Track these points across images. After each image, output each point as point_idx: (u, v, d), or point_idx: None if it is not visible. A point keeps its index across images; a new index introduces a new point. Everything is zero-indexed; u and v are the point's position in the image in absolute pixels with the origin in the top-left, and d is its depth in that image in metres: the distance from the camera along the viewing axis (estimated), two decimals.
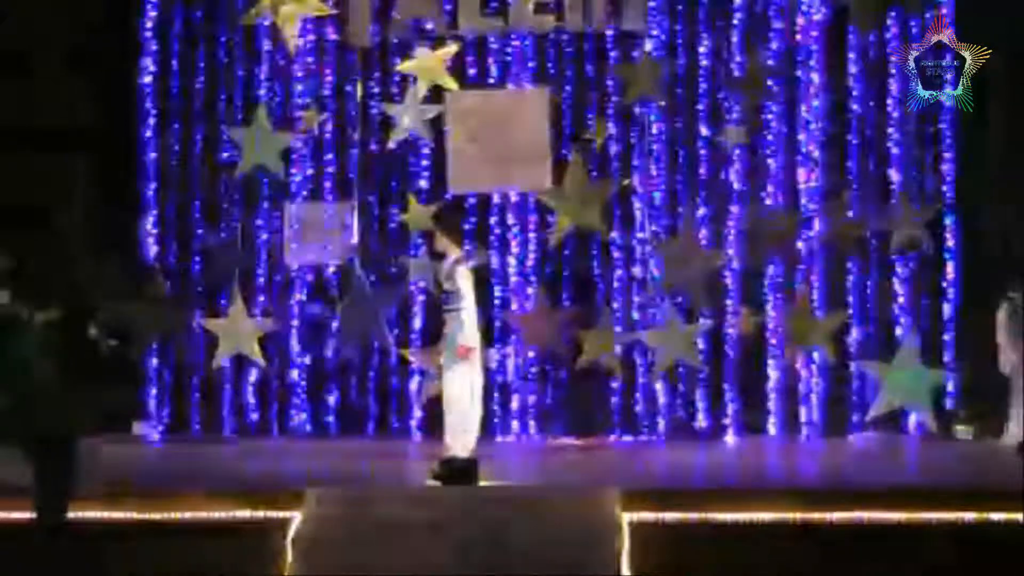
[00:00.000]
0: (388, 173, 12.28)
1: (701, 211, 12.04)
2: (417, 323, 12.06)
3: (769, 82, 11.83)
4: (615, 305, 11.96)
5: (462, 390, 9.14)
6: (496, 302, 11.93)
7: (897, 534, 7.94)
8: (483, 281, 11.95)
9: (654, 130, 12.08)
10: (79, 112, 11.91)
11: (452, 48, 11.70)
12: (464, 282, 9.05)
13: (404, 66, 11.81)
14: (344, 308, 11.85)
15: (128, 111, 12.13)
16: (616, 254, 12.01)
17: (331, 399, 12.11)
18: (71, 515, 7.79)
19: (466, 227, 11.93)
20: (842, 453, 10.58)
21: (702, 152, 12.06)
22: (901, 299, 11.71)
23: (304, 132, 12.02)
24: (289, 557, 7.80)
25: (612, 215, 11.97)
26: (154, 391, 11.96)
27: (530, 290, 12.01)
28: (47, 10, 11.83)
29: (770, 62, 11.87)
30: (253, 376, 12.05)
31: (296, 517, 8.01)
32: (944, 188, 11.78)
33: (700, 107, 12.06)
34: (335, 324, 11.87)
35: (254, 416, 12.08)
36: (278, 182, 12.01)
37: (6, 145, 11.85)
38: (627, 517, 7.94)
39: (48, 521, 7.74)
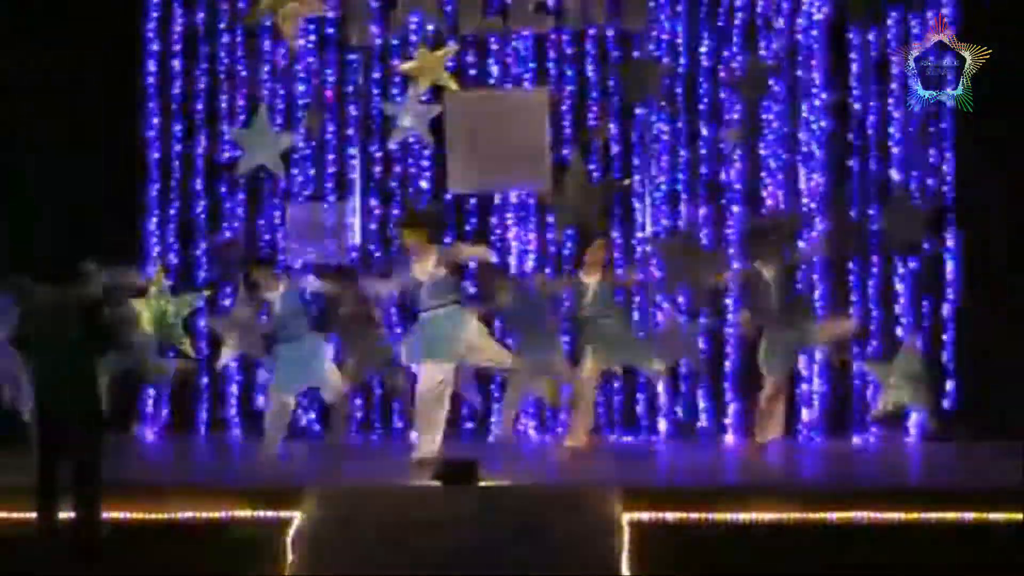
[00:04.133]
0: (388, 173, 12.29)
1: (701, 211, 12.06)
2: None
3: (770, 82, 11.85)
4: None
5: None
6: None
7: (897, 534, 7.94)
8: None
9: (654, 130, 12.11)
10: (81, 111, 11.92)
11: (452, 48, 11.70)
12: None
13: (404, 66, 11.82)
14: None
15: (130, 112, 12.17)
16: (616, 254, 12.00)
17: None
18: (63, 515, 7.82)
19: (466, 228, 12.02)
20: (842, 453, 10.58)
21: (702, 152, 12.08)
22: (901, 299, 11.72)
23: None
24: (289, 557, 7.80)
25: (612, 215, 11.99)
26: (152, 391, 11.94)
27: None
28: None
29: (770, 62, 11.91)
30: (257, 376, 12.08)
31: (296, 517, 8.02)
32: (944, 188, 11.80)
33: (700, 107, 12.08)
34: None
35: (257, 416, 12.08)
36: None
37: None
38: (627, 517, 7.95)
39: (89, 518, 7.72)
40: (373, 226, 12.25)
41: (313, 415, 11.99)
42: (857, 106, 11.87)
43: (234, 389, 12.10)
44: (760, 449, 10.56)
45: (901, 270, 11.75)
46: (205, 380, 12.04)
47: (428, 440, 9.95)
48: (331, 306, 11.06)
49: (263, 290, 10.79)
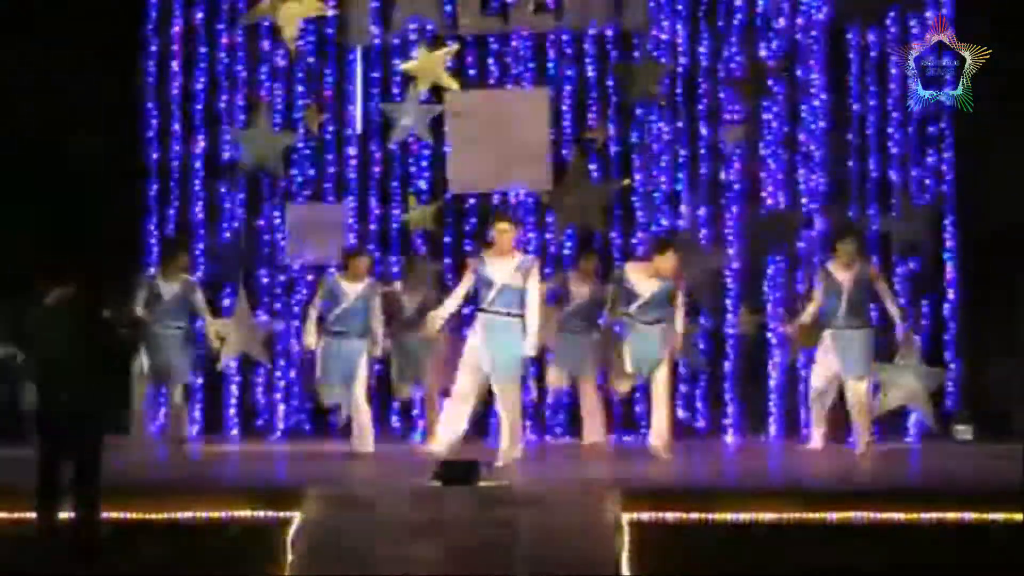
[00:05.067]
0: (388, 173, 12.30)
1: (701, 211, 12.06)
2: None
3: (769, 82, 11.85)
4: None
5: None
6: None
7: (897, 534, 7.94)
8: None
9: (654, 130, 12.11)
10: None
11: (452, 48, 11.70)
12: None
13: (404, 66, 11.82)
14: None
15: (130, 112, 12.18)
16: (616, 254, 12.01)
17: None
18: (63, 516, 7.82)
19: (466, 228, 12.03)
20: (843, 453, 10.57)
21: (702, 152, 12.08)
22: (901, 299, 11.72)
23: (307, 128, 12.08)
24: (289, 557, 7.79)
25: (612, 215, 11.99)
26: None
27: None
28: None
29: (770, 62, 11.91)
30: (257, 376, 12.10)
31: (296, 517, 8.01)
32: (944, 188, 11.81)
33: (700, 107, 12.08)
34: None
35: (257, 416, 12.10)
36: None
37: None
38: (627, 517, 7.94)
39: (89, 518, 7.73)
40: (373, 226, 12.26)
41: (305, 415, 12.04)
42: (857, 106, 11.90)
43: (234, 389, 12.11)
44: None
45: (901, 270, 11.77)
46: (201, 381, 12.06)
47: (438, 434, 9.90)
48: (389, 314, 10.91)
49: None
